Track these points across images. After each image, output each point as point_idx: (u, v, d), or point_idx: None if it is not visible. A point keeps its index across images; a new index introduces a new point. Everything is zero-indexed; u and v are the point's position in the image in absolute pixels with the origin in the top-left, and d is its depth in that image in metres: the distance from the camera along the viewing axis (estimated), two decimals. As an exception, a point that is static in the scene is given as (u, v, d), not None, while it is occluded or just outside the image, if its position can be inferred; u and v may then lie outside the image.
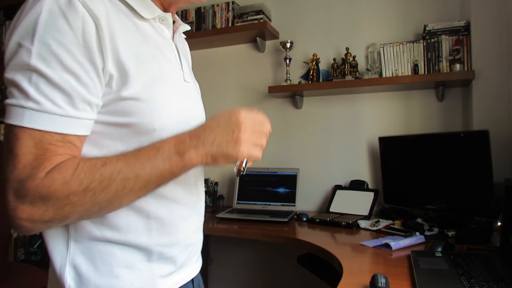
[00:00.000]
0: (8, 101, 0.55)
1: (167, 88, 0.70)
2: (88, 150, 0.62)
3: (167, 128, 0.66)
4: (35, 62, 0.54)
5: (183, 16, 2.56)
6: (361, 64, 2.18)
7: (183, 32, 0.87)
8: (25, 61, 0.54)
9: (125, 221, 0.66)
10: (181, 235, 0.75)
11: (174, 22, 0.81)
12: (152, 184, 0.61)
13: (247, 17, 2.35)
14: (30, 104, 0.54)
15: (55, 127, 0.55)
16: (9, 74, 0.55)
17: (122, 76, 0.61)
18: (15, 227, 0.56)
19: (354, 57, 2.16)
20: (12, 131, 0.54)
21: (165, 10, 0.77)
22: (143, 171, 0.59)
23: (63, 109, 0.56)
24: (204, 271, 2.53)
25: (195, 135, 0.63)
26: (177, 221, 0.74)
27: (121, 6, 0.67)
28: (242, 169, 0.68)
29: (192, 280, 0.82)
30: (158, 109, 0.66)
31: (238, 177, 2.30)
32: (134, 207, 0.66)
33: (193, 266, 0.84)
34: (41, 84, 0.54)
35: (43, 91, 0.54)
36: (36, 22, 0.54)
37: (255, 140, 0.66)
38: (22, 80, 0.54)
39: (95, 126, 0.62)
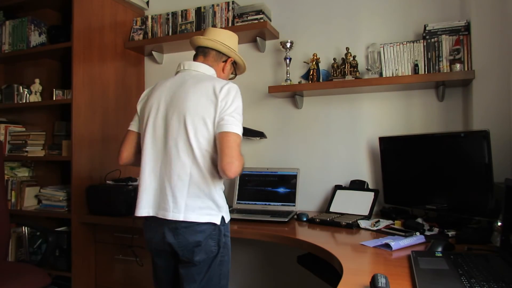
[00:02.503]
0: (234, 124, 1.33)
1: None
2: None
3: None
4: (240, 114, 1.39)
5: (183, 16, 2.56)
6: (361, 64, 2.18)
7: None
8: (239, 113, 1.38)
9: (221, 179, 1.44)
10: None
11: None
12: None
13: (247, 17, 2.35)
14: (241, 128, 1.36)
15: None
16: (234, 114, 1.35)
17: None
18: (231, 176, 1.30)
19: (354, 57, 2.16)
20: (237, 136, 1.34)
21: None
22: None
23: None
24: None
25: None
26: None
27: None
28: None
29: None
30: None
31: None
32: None
33: None
34: (240, 121, 1.37)
35: (241, 124, 1.37)
36: (240, 103, 1.41)
37: None
38: (238, 118, 1.36)
39: None
